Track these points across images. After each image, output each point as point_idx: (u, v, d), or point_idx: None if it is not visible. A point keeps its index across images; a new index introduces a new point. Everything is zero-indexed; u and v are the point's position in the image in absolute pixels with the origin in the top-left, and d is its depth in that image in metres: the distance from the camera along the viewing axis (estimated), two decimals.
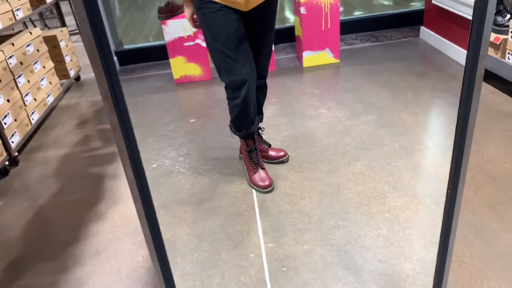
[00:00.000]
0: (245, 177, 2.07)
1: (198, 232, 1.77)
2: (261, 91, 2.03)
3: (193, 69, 3.26)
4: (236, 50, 1.69)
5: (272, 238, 1.69)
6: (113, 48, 3.76)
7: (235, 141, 2.38)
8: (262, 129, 2.18)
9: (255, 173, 1.99)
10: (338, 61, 3.34)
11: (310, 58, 3.29)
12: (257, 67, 1.82)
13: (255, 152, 2.00)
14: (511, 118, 2.30)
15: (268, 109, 2.69)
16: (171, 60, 3.21)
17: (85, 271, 1.66)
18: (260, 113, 2.10)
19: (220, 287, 1.51)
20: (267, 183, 1.95)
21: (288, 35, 3.79)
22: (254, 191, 1.98)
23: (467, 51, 0.82)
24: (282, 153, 2.16)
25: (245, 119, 1.87)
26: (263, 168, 2.01)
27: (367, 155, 2.14)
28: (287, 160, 2.16)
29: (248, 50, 1.75)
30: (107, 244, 1.78)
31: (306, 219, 1.77)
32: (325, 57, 3.30)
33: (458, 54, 3.05)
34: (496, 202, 1.73)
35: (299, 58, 3.43)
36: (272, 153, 2.15)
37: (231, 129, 1.97)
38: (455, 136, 0.90)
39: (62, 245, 1.80)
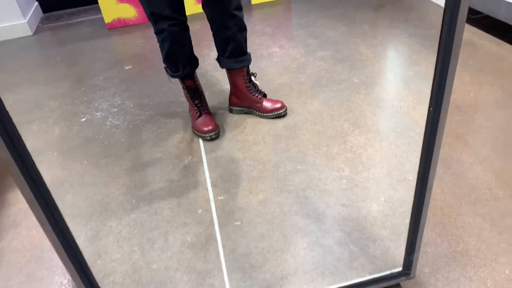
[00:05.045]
0: (190, 126, 1.81)
1: (136, 191, 1.52)
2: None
3: (127, 11, 2.86)
4: None
5: (223, 190, 1.48)
6: None
7: (176, 87, 2.10)
8: (254, 74, 1.78)
9: (198, 117, 1.74)
10: None
11: None
12: None
13: (197, 93, 1.73)
14: (471, 46, 2.15)
15: (214, 50, 2.40)
16: (100, 2, 2.79)
17: (0, 246, 1.38)
18: (229, 54, 1.69)
19: (163, 250, 1.29)
20: (210, 127, 1.70)
21: None
22: (201, 140, 1.73)
23: None
24: (278, 105, 1.77)
25: (179, 56, 1.60)
26: (208, 113, 1.76)
27: (325, 93, 1.93)
28: (285, 114, 1.79)
29: None
30: (28, 213, 1.50)
31: (260, 166, 1.56)
32: None
33: None
34: (463, 133, 1.59)
35: None
36: (267, 104, 1.78)
37: (166, 71, 1.69)
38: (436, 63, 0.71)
39: None
